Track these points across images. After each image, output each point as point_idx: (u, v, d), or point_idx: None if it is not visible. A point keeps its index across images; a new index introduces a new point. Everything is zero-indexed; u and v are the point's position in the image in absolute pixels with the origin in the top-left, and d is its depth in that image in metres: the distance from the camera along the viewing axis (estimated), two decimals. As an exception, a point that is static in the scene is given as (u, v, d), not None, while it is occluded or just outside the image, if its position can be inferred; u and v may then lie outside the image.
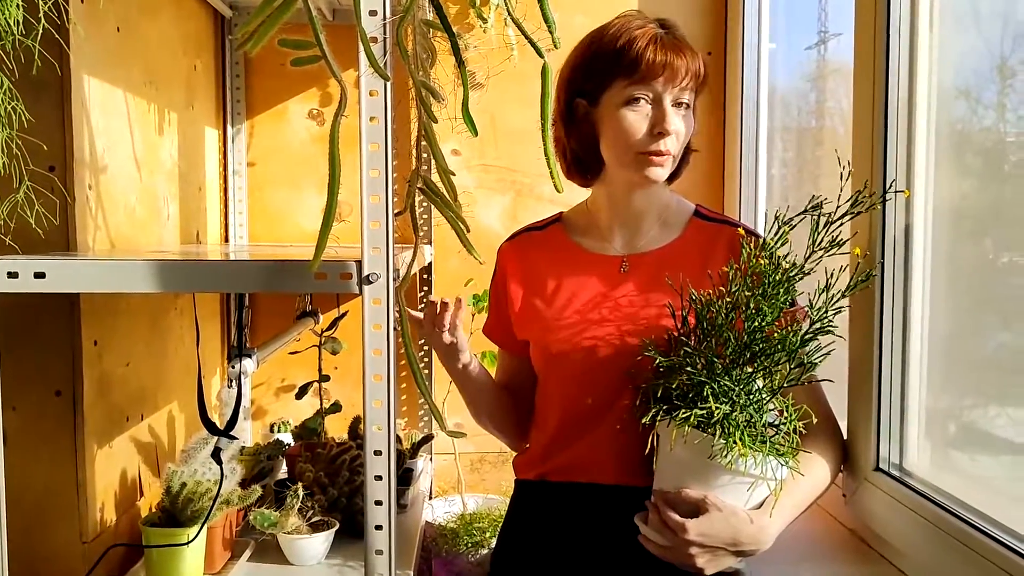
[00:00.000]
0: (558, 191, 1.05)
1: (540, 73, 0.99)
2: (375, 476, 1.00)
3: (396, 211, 1.04)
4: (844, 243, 1.18)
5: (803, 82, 1.99)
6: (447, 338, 1.31)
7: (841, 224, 1.19)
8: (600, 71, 1.30)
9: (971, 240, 1.25)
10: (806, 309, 1.18)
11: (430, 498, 2.13)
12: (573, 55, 1.35)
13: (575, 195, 1.45)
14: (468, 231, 1.03)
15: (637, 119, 1.27)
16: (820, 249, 1.19)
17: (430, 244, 2.18)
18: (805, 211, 1.20)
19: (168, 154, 1.72)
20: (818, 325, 1.17)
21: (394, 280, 1.01)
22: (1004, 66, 1.18)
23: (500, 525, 1.54)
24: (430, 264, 2.18)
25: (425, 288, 2.19)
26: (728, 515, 1.14)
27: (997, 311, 1.21)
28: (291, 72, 2.14)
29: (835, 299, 1.16)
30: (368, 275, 0.98)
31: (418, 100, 0.97)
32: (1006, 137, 1.20)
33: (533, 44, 0.99)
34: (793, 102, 2.05)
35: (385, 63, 0.92)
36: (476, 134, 1.06)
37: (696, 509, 1.15)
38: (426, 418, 2.21)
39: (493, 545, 1.88)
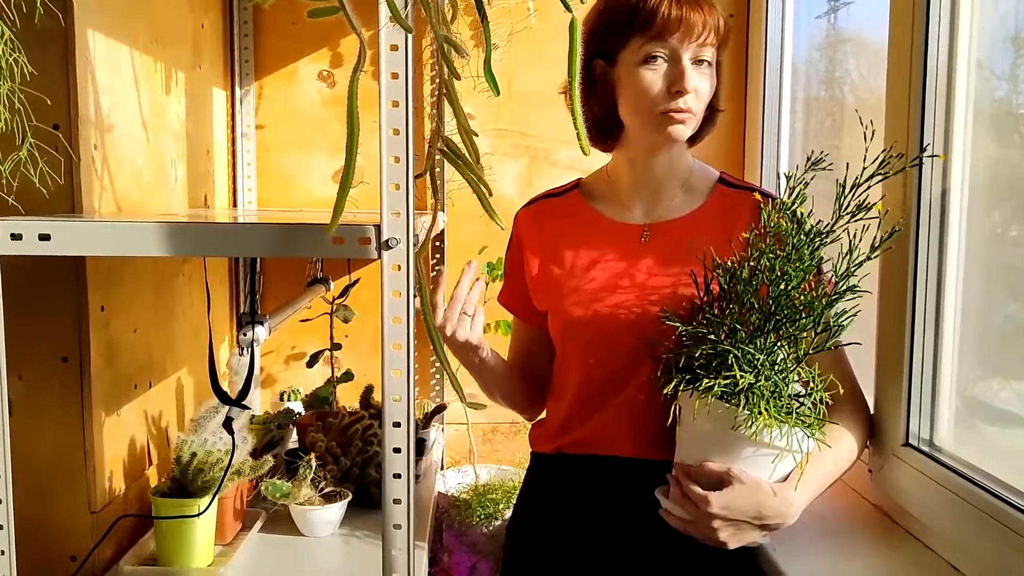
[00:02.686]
0: (585, 153, 1.00)
1: (568, 28, 0.94)
2: (393, 448, 0.97)
3: (415, 174, 1.00)
4: (871, 207, 1.14)
5: (813, 51, 1.94)
6: (466, 336, 1.24)
7: (868, 187, 1.15)
8: (617, 29, 1.26)
9: (983, 211, 1.22)
10: (830, 275, 1.15)
11: (442, 469, 2.11)
12: (590, 15, 1.31)
13: (592, 161, 1.40)
14: (491, 195, 0.99)
15: (655, 78, 1.23)
16: (847, 213, 1.15)
17: (443, 211, 2.13)
18: (814, 165, 1.16)
19: (175, 115, 1.67)
20: (843, 285, 1.13)
21: (413, 246, 0.97)
22: (1018, 36, 1.13)
23: (514, 497, 1.51)
24: (442, 231, 2.14)
25: (437, 256, 2.15)
26: (752, 488, 1.11)
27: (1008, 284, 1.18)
28: (301, 32, 2.08)
29: (858, 258, 1.12)
30: (388, 240, 0.94)
31: (440, 56, 0.92)
32: (1017, 109, 1.17)
33: (561, -2, 0.94)
34: (803, 71, 2.00)
35: (407, 15, 0.87)
36: (498, 93, 1.01)
37: (719, 482, 1.12)
38: (438, 387, 2.18)
39: (506, 517, 1.87)
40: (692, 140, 1.35)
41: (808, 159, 1.17)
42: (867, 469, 1.35)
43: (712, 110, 1.33)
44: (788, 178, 1.16)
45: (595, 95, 1.32)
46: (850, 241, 1.13)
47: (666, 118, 1.24)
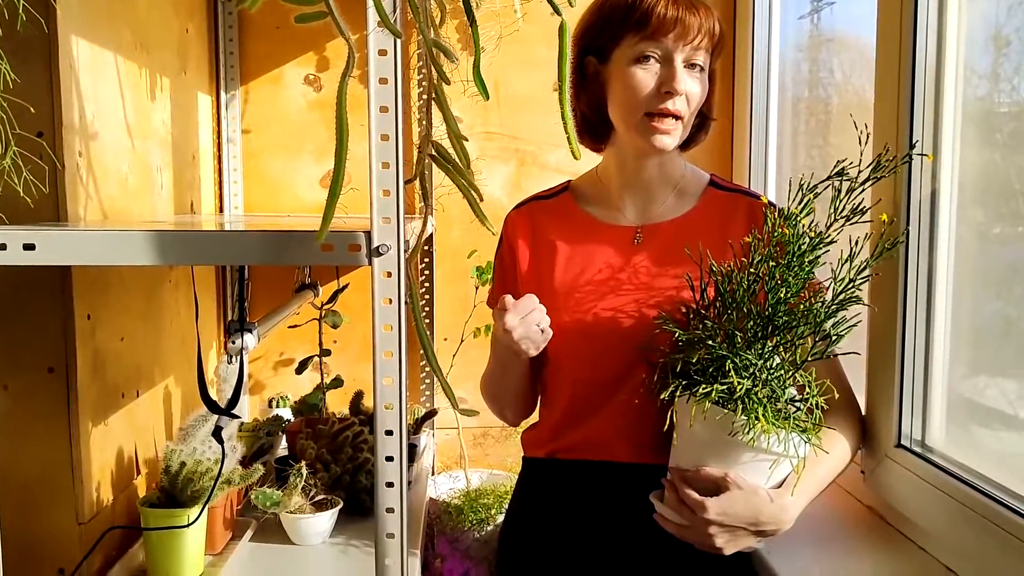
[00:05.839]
0: (575, 158, 0.99)
1: (558, 32, 0.93)
2: (386, 457, 0.96)
3: (405, 179, 0.99)
4: (867, 211, 1.14)
5: (796, 51, 1.95)
6: (536, 347, 1.22)
7: (863, 190, 1.14)
8: (611, 26, 1.25)
9: (966, 211, 1.22)
10: (821, 283, 1.14)
11: (433, 474, 2.10)
12: (586, 12, 1.31)
13: (581, 165, 1.40)
14: (481, 200, 0.98)
15: (646, 76, 1.22)
16: (842, 217, 1.15)
17: (431, 215, 2.12)
18: (830, 177, 1.16)
19: (161, 121, 1.65)
20: (843, 296, 1.12)
21: (404, 251, 0.96)
22: (999, 36, 1.14)
23: (506, 501, 1.50)
24: (431, 235, 2.13)
25: (426, 260, 2.14)
26: (749, 494, 1.11)
27: (997, 284, 1.19)
28: (286, 36, 2.07)
29: (861, 268, 1.12)
30: (378, 246, 0.93)
31: (429, 60, 0.91)
32: (999, 108, 1.17)
33: (551, 1, 0.93)
34: (788, 71, 2.00)
35: (395, 19, 0.86)
36: (488, 97, 1.00)
37: (715, 487, 1.11)
38: (428, 392, 2.17)
39: (499, 522, 1.85)
40: (684, 146, 1.34)
41: (836, 167, 1.14)
42: (860, 471, 1.35)
43: (704, 118, 1.32)
44: (800, 187, 1.15)
45: (585, 93, 1.31)
46: (851, 248, 1.12)
47: (652, 126, 1.23)
